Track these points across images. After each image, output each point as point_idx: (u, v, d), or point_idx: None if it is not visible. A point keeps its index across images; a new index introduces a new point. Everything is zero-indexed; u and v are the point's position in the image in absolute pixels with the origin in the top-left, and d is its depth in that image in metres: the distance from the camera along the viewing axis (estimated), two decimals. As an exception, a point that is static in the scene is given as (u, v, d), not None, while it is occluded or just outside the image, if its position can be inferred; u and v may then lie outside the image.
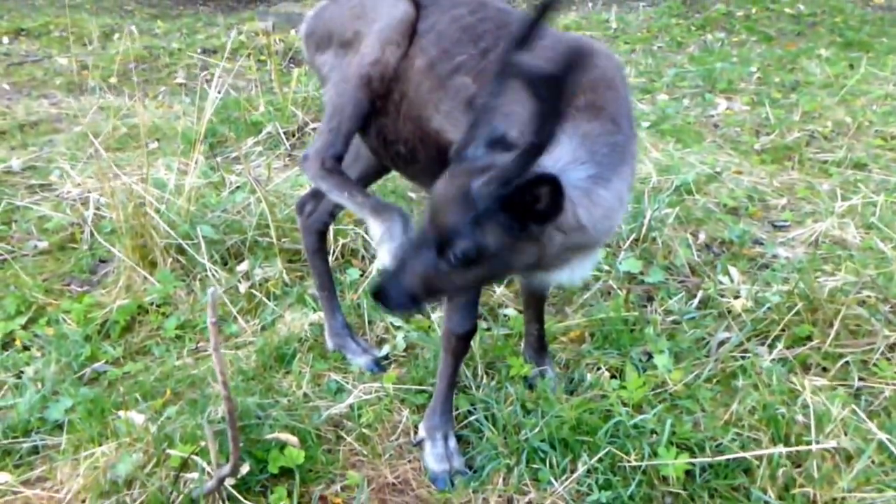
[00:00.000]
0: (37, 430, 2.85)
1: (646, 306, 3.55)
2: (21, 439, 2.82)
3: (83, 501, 2.52)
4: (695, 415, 2.80)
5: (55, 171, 5.05)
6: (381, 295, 2.13)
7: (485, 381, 2.98)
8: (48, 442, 2.80)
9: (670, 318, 3.41)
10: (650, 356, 3.14)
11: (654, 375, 3.00)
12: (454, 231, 2.01)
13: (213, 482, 2.33)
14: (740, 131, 5.72)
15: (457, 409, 2.84)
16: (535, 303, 3.02)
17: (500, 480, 2.61)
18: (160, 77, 7.47)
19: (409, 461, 2.75)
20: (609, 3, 10.39)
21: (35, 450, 2.79)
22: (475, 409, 2.85)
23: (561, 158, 2.11)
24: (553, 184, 1.90)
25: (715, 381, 3.01)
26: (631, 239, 3.93)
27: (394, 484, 2.67)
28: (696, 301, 3.53)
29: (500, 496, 2.58)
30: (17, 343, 3.44)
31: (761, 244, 4.10)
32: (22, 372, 3.21)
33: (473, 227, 1.99)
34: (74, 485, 2.55)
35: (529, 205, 1.94)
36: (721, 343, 3.22)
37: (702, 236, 4.13)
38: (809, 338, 3.22)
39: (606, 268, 3.74)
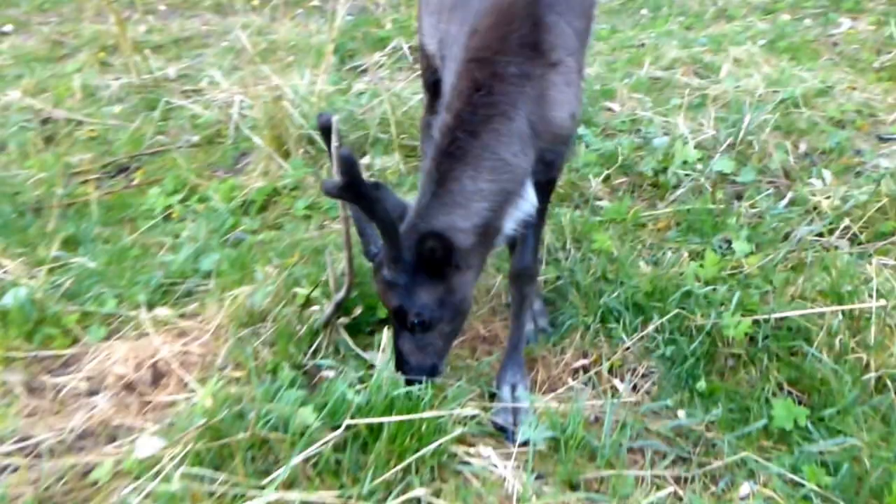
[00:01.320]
0: (190, 277, 3.41)
1: (733, 203, 3.75)
2: (178, 284, 3.38)
3: (226, 330, 3.03)
4: (764, 291, 3.03)
5: (204, 78, 5.64)
6: (408, 378, 2.51)
7: (572, 252, 3.30)
8: (199, 286, 3.35)
9: (755, 211, 3.61)
10: (730, 243, 3.37)
11: (730, 260, 3.24)
12: (400, 310, 2.41)
13: (331, 307, 2.79)
14: (860, 49, 5.66)
15: (545, 277, 3.20)
16: (515, 295, 2.86)
17: (578, 336, 2.96)
18: (297, 0, 7.98)
19: (500, 319, 3.13)
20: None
21: (188, 292, 3.34)
22: (562, 276, 3.19)
23: (420, 183, 2.46)
24: (432, 236, 2.29)
25: (790, 266, 3.22)
26: (727, 143, 4.10)
27: (484, 336, 3.07)
28: (784, 201, 3.71)
29: (576, 349, 2.93)
30: (174, 215, 4.03)
31: (861, 154, 4.18)
32: (178, 236, 3.78)
33: (409, 299, 2.38)
34: (220, 317, 3.08)
35: (431, 257, 2.32)
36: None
37: (802, 146, 4.25)
38: (893, 234, 3.36)
39: (699, 167, 3.95)
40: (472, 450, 2.44)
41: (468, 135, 2.36)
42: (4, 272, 3.39)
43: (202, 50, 6.48)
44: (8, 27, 7.54)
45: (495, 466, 2.38)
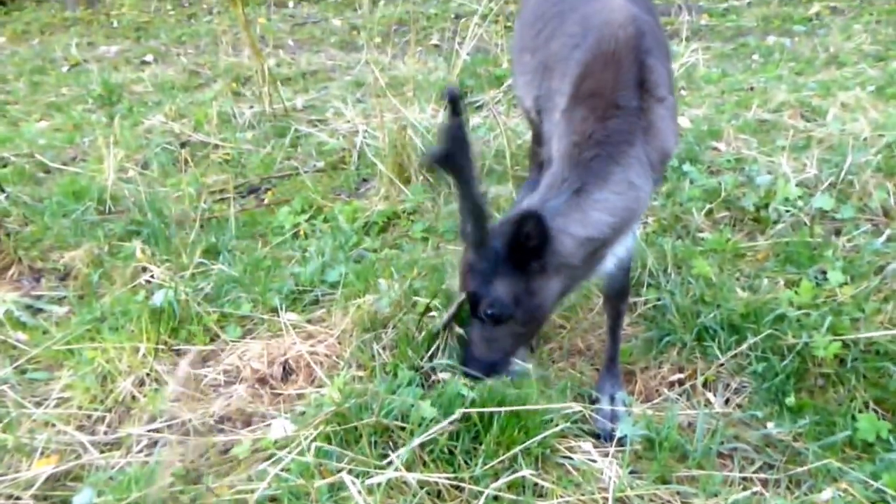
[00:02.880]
0: (318, 287, 3.83)
1: (831, 237, 3.94)
2: (306, 292, 3.80)
3: (350, 334, 3.42)
4: (854, 318, 3.22)
5: (330, 109, 6.18)
6: (467, 369, 2.70)
7: (672, 277, 3.57)
8: (326, 295, 3.77)
9: (852, 245, 3.79)
10: (825, 274, 3.57)
11: (825, 289, 3.45)
12: (475, 296, 2.53)
13: (447, 315, 3.14)
14: (973, 97, 5.73)
15: (645, 299, 3.48)
16: (611, 313, 3.10)
17: (675, 352, 3.22)
18: (418, 38, 8.51)
19: (597, 334, 3.42)
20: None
21: (316, 300, 3.75)
22: (662, 297, 3.46)
23: (541, 186, 2.62)
24: (533, 217, 2.35)
25: (883, 297, 3.40)
26: (828, 182, 4.29)
27: (580, 350, 3.37)
28: (882, 237, 3.88)
29: (672, 364, 3.19)
30: (302, 233, 4.48)
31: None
32: (306, 251, 4.22)
33: (485, 287, 2.49)
34: (345, 323, 3.47)
35: (524, 246, 2.40)
36: (900, 272, 3.58)
37: (906, 188, 4.40)
38: None
39: (800, 203, 4.15)
40: (573, 444, 2.74)
41: (601, 153, 2.57)
42: (152, 276, 3.88)
43: (328, 83, 7.06)
44: (149, 57, 8.37)
45: (594, 461, 2.67)
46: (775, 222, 4.09)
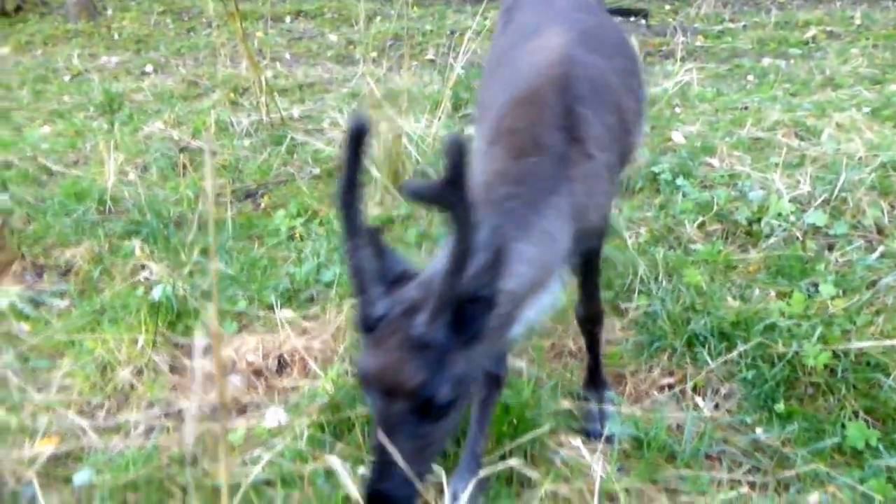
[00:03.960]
0: (313, 286, 3.91)
1: (824, 252, 4.04)
2: (301, 291, 3.88)
3: (344, 331, 3.50)
4: (846, 329, 3.31)
5: (326, 119, 6.30)
6: (386, 498, 1.87)
7: (663, 285, 3.66)
8: (320, 294, 3.85)
9: (844, 260, 3.88)
10: (817, 287, 3.66)
11: (816, 301, 3.54)
12: (427, 387, 1.84)
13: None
14: (968, 120, 5.86)
15: (636, 305, 3.57)
16: (586, 337, 3.03)
17: (665, 357, 3.31)
18: (413, 53, 8.63)
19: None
20: (859, 1, 10.41)
21: (311, 298, 3.84)
22: (652, 304, 3.55)
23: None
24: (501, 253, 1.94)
25: (875, 310, 3.49)
26: (822, 198, 4.40)
27: (571, 351, 3.45)
28: (875, 254, 3.97)
29: (662, 369, 3.28)
30: (298, 235, 4.57)
31: (959, 217, 4.40)
32: (301, 252, 4.31)
33: (442, 369, 1.85)
34: (339, 320, 3.55)
35: (473, 314, 1.89)
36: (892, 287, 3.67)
37: (900, 207, 4.51)
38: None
39: (793, 219, 4.26)
40: (563, 440, 2.82)
41: (516, 194, 2.26)
42: (151, 273, 3.98)
43: (324, 95, 7.17)
44: (149, 67, 8.50)
45: (583, 456, 2.74)
46: (767, 236, 4.18)
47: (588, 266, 2.76)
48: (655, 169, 4.98)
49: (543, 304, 2.35)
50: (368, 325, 1.91)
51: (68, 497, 2.48)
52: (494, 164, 2.34)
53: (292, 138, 5.86)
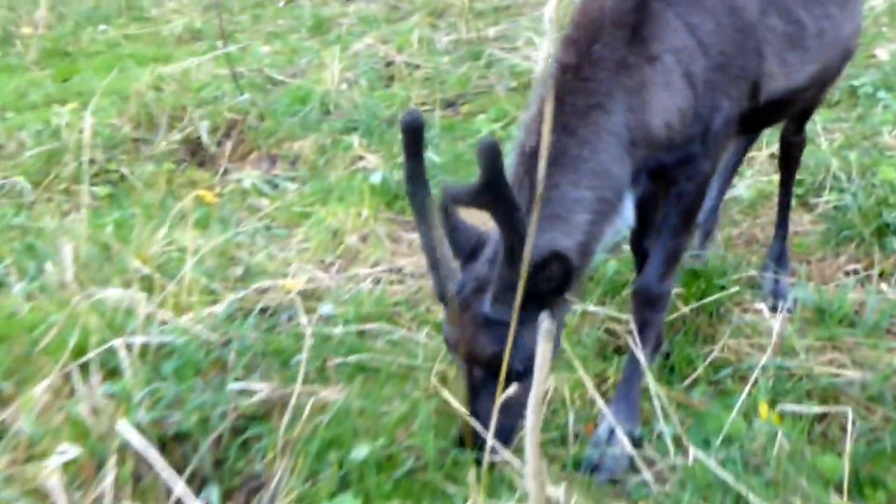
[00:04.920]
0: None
1: None
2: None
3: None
4: None
5: (521, 38, 6.65)
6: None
7: (857, 182, 3.77)
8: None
9: None
10: None
11: None
12: (495, 359, 1.96)
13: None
14: None
15: (826, 200, 3.73)
16: (635, 318, 2.54)
17: (853, 246, 3.47)
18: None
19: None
20: None
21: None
22: (843, 199, 3.69)
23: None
24: (557, 257, 2.00)
25: None
26: None
27: (759, 239, 3.66)
28: None
29: (849, 256, 3.44)
30: (497, 137, 4.98)
31: None
32: (501, 151, 4.72)
33: (514, 341, 1.87)
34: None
35: (547, 285, 2.01)
36: None
37: None
38: None
39: None
40: (747, 306, 3.09)
41: (562, 131, 2.11)
42: (368, 162, 4.52)
43: (517, 18, 7.50)
44: (353, -5, 9.11)
45: (765, 318, 3.01)
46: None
47: (670, 202, 2.46)
48: (855, 83, 5.00)
49: (614, 234, 2.35)
50: (445, 299, 2.11)
51: (317, 321, 3.01)
52: (549, 81, 2.22)
53: (490, 54, 6.26)
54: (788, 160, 3.35)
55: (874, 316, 3.01)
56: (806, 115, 3.28)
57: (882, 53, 5.48)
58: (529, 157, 2.12)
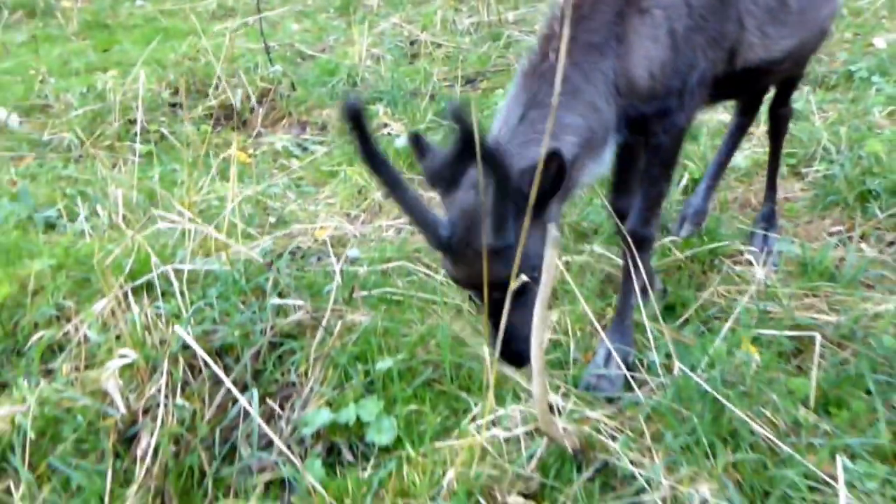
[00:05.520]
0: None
1: None
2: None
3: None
4: None
5: (539, 21, 6.83)
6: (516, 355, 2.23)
7: (845, 153, 3.97)
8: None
9: None
10: None
11: None
12: (507, 280, 1.99)
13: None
14: None
15: (816, 169, 3.92)
16: (625, 252, 2.69)
17: (838, 210, 3.66)
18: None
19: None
20: None
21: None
22: (831, 168, 3.88)
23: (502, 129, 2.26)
24: (555, 155, 2.01)
25: None
26: None
27: (752, 204, 3.86)
28: None
29: (834, 219, 3.64)
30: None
31: None
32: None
33: (520, 256, 1.98)
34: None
35: (544, 187, 2.00)
36: None
37: None
38: None
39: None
40: (739, 258, 3.30)
41: (574, 62, 2.24)
42: (392, 130, 4.74)
43: (536, 3, 7.70)
44: (380, -22, 9.31)
45: (752, 265, 3.22)
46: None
47: (649, 153, 2.57)
48: (852, 68, 5.18)
49: (593, 172, 2.45)
50: (442, 247, 2.15)
51: (344, 262, 3.23)
52: (552, 24, 2.39)
53: (509, 35, 6.46)
54: (777, 131, 3.53)
55: (852, 270, 3.20)
56: (789, 88, 3.45)
57: (880, 42, 5.65)
58: (538, 78, 2.26)
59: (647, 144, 2.57)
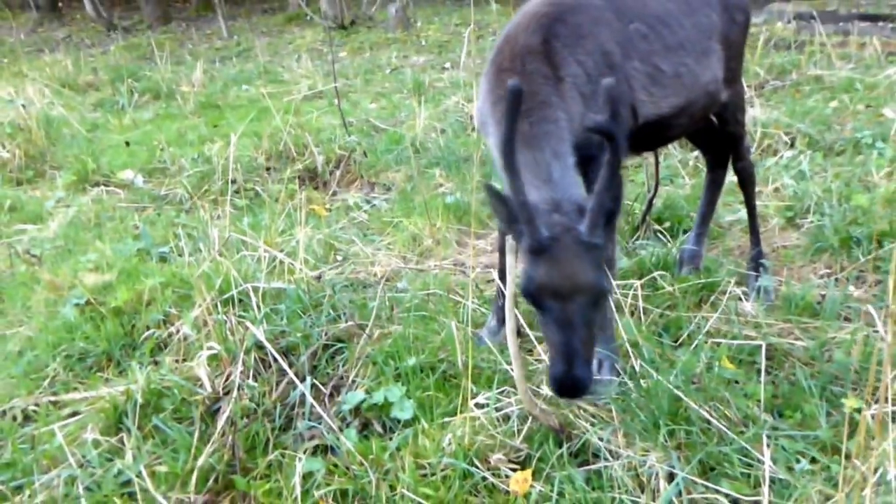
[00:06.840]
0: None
1: None
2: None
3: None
4: None
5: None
6: (578, 381, 2.29)
7: (836, 207, 4.25)
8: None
9: None
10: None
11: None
12: (601, 281, 2.30)
13: (645, 204, 4.10)
14: None
15: (811, 220, 4.21)
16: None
17: (827, 255, 3.93)
18: None
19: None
20: None
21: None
22: (822, 221, 4.16)
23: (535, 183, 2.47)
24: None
25: None
26: None
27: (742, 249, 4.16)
28: None
29: (822, 263, 3.91)
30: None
31: None
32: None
33: (606, 263, 2.33)
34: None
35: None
36: None
37: None
38: None
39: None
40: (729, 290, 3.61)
41: (528, 125, 2.55)
42: (445, 189, 5.24)
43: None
44: (447, 64, 10.00)
45: (741, 299, 3.53)
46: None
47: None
48: (859, 135, 5.45)
49: None
50: (541, 247, 2.28)
51: (394, 293, 3.69)
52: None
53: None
54: (742, 182, 3.88)
55: (831, 305, 3.47)
56: (732, 145, 3.75)
57: (889, 112, 5.90)
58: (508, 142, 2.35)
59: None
